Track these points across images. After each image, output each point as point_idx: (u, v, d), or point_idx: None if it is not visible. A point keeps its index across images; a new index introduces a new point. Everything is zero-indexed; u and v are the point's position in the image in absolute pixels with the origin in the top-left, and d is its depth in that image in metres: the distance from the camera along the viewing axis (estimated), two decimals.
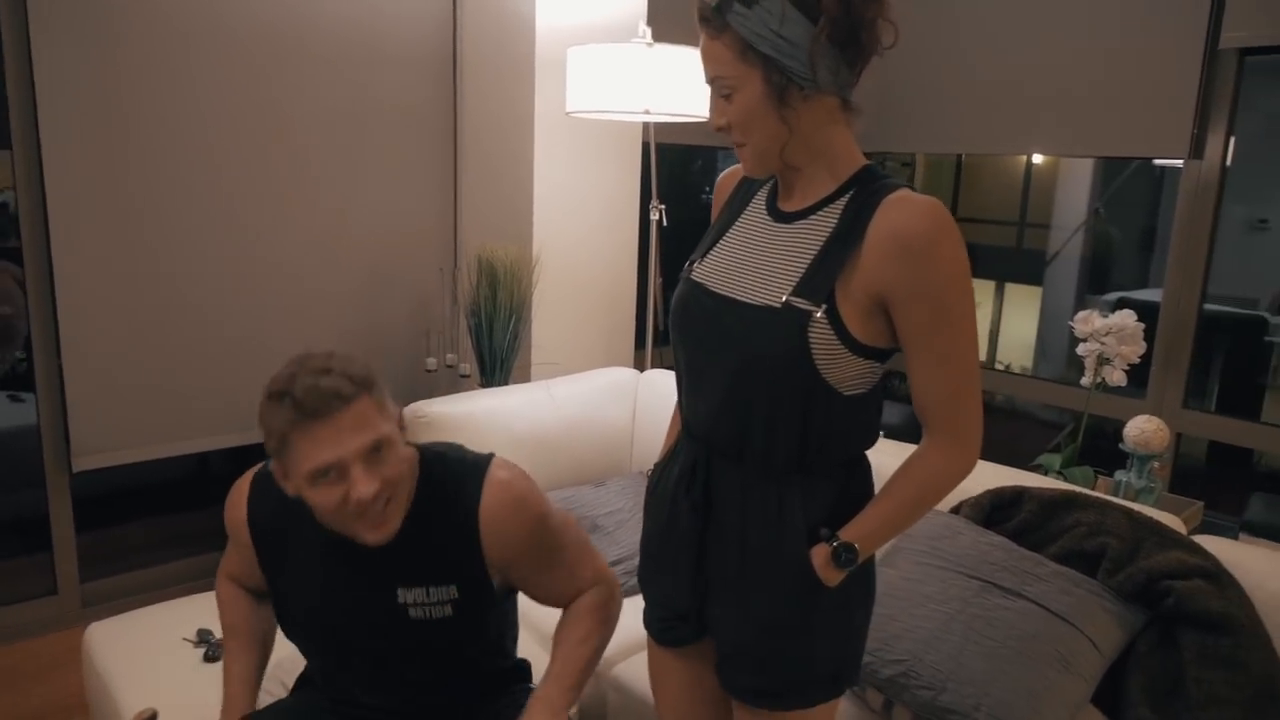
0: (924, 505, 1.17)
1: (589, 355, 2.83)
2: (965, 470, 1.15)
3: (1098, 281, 4.39)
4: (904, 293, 1.06)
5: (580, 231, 2.78)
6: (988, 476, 1.91)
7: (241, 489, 1.38)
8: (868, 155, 1.17)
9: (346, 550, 1.31)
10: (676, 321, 1.26)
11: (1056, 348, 4.33)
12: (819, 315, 1.08)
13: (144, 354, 2.44)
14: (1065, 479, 2.12)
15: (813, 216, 1.15)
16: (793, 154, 1.14)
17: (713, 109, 1.15)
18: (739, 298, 1.15)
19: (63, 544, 2.54)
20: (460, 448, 1.39)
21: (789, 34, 1.05)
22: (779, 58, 1.06)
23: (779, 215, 1.19)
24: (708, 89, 1.17)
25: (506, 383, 2.66)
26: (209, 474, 3.15)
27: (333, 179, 2.60)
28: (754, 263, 1.18)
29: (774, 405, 1.13)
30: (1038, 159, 4.23)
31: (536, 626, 1.96)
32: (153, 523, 3.02)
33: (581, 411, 2.38)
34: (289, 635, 1.40)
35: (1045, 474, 2.16)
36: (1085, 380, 2.22)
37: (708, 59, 1.11)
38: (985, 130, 3.38)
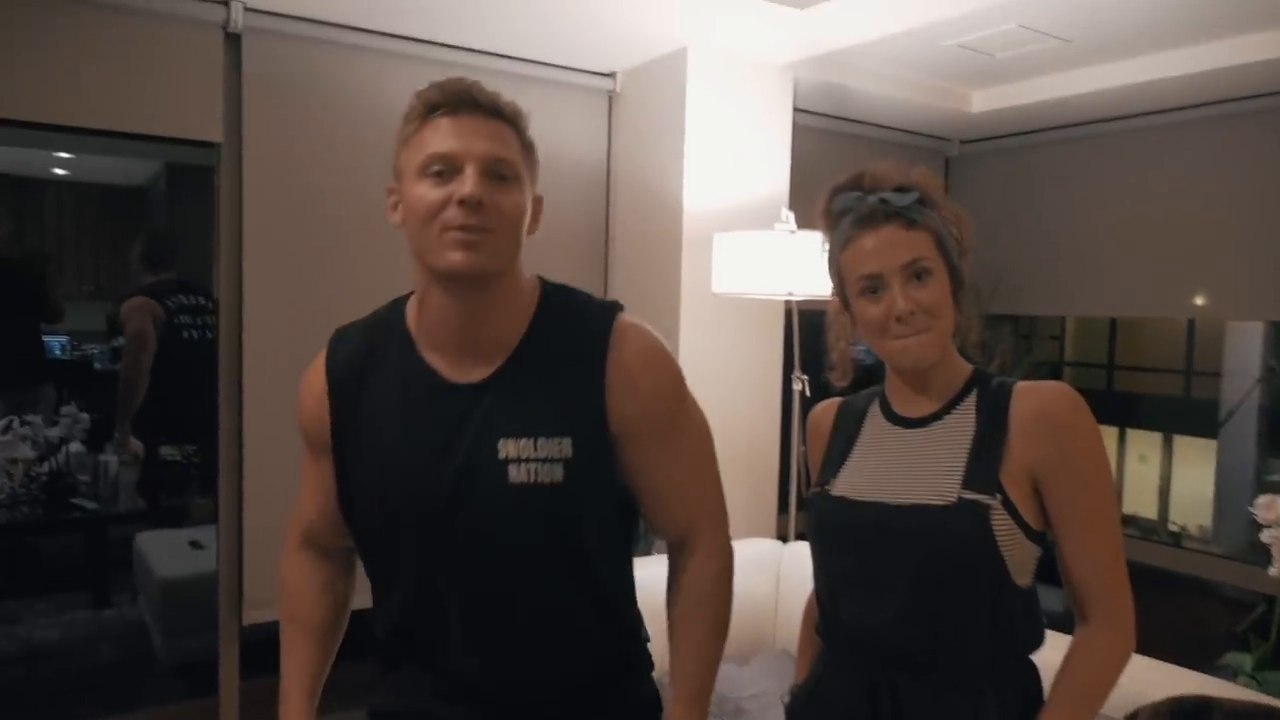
0: (1098, 698, 1.16)
1: (732, 524, 2.82)
2: (1128, 652, 1.15)
3: None
4: (1053, 467, 1.13)
5: (723, 400, 2.82)
6: (1166, 679, 1.75)
7: (318, 359, 1.24)
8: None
9: (434, 385, 1.12)
10: (826, 541, 1.27)
11: (1238, 508, 3.98)
12: (996, 504, 1.12)
13: None
14: (1259, 685, 1.92)
15: (947, 417, 1.20)
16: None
17: (901, 296, 1.16)
18: (903, 501, 1.17)
19: (228, 693, 2.67)
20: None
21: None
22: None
23: (906, 422, 1.24)
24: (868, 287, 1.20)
25: (649, 553, 2.67)
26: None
27: None
28: (901, 467, 1.20)
29: (963, 603, 1.14)
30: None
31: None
32: None
33: None
34: (362, 549, 1.24)
35: (1234, 677, 1.96)
36: (1273, 570, 2.04)
37: (902, 246, 1.17)
38: (1141, 291, 3.27)
